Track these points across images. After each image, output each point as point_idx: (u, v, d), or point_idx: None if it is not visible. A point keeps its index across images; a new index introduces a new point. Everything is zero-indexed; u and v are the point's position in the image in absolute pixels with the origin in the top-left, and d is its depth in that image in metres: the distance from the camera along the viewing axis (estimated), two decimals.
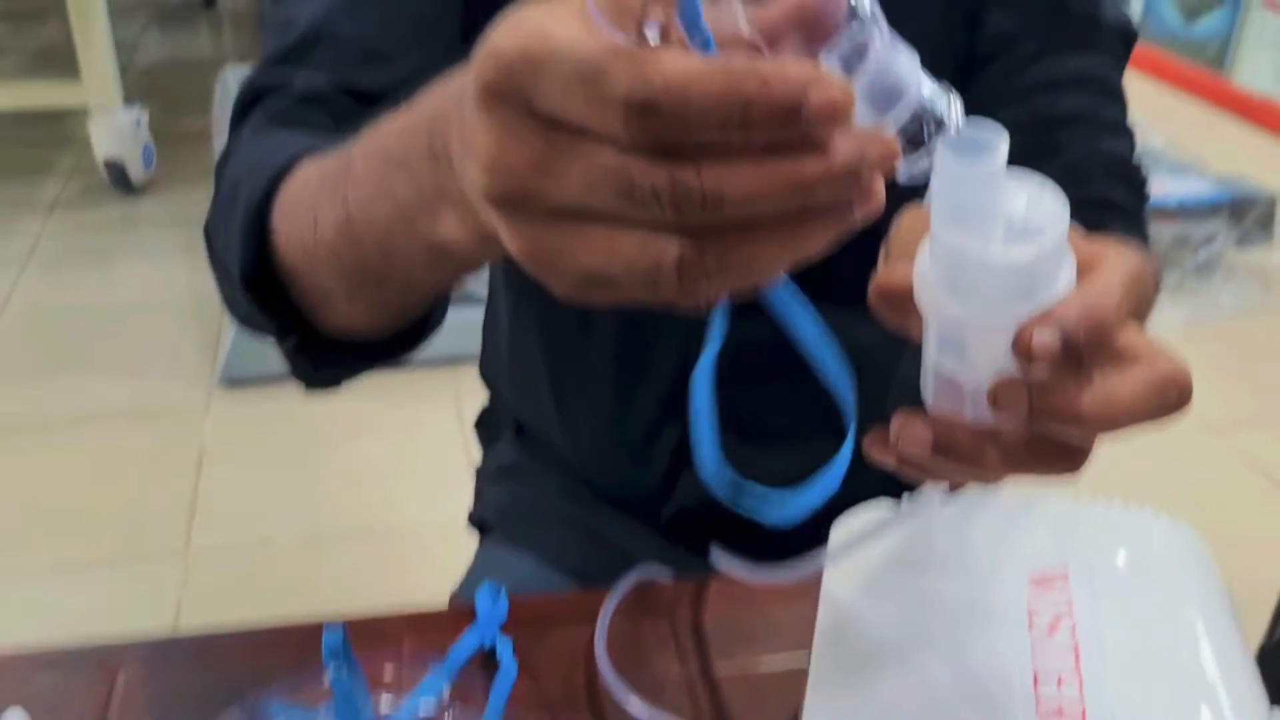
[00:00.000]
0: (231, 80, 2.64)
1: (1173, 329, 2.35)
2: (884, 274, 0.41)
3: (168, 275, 2.57)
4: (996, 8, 0.70)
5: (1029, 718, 0.45)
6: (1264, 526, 1.87)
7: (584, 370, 0.82)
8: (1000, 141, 0.33)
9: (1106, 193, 0.69)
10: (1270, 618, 0.86)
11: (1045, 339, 0.35)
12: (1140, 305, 0.40)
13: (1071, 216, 0.49)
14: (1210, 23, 3.80)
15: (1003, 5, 0.70)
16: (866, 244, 0.75)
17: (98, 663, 0.61)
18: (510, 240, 0.33)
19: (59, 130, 3.24)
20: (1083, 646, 0.48)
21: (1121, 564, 0.53)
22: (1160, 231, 2.57)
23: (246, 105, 0.63)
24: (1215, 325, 2.42)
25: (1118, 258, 0.38)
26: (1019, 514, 0.57)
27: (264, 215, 0.51)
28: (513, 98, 0.31)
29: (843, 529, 0.55)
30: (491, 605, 0.60)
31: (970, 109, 0.42)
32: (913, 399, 0.42)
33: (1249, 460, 2.03)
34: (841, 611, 0.53)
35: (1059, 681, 0.46)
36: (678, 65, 0.28)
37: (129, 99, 2.84)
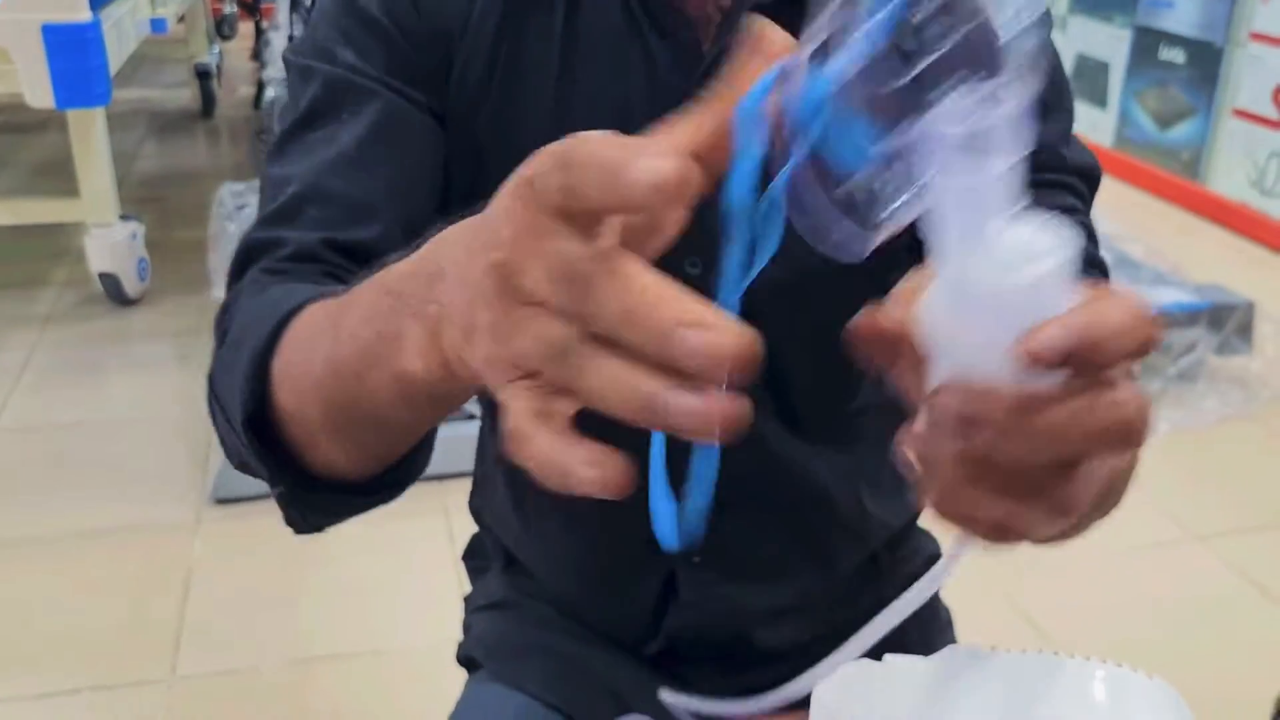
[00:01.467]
0: (228, 196, 2.69)
1: (1156, 436, 2.37)
2: (874, 313, 0.42)
3: (160, 388, 2.58)
4: None
5: None
6: (1255, 635, 1.87)
7: (567, 508, 0.83)
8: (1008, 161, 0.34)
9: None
10: None
11: (1047, 340, 0.35)
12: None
13: None
14: (1183, 130, 3.90)
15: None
16: (839, 388, 0.78)
17: None
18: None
19: (55, 243, 3.28)
20: None
21: None
22: None
23: (242, 262, 0.66)
24: (1198, 432, 2.45)
25: (1124, 293, 0.38)
26: (997, 672, 0.57)
27: (267, 360, 0.53)
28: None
29: (825, 688, 0.56)
30: None
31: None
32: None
33: (1236, 567, 2.03)
34: None
35: None
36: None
37: (126, 211, 2.88)
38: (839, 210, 0.37)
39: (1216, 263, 3.30)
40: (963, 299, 0.36)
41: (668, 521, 0.40)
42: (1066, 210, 0.73)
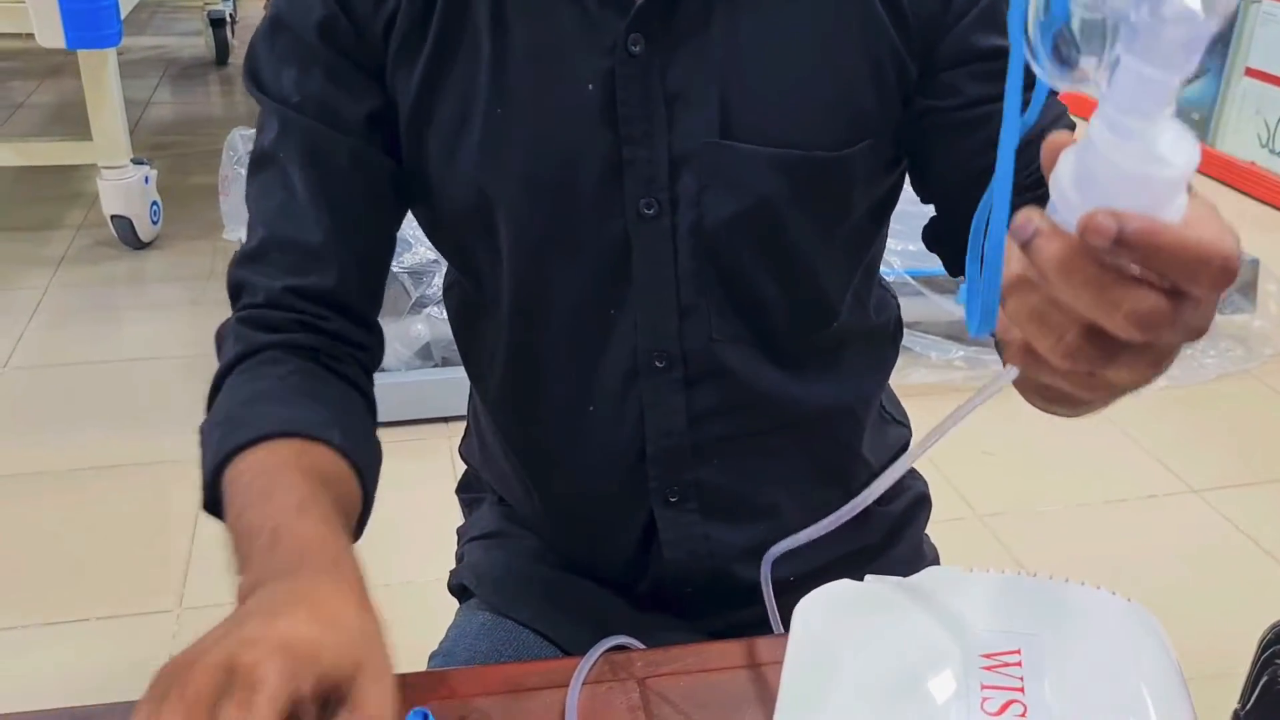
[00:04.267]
0: (239, 140, 2.70)
1: (1156, 391, 2.39)
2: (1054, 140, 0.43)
3: (172, 330, 2.61)
4: (967, 78, 0.73)
5: None
6: (1246, 583, 1.90)
7: (550, 457, 0.84)
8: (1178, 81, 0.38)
9: None
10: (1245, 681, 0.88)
11: (1101, 223, 0.38)
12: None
13: None
14: (1193, 90, 3.87)
15: (970, 72, 0.73)
16: (814, 317, 0.79)
17: None
18: None
19: (69, 185, 3.31)
20: None
21: (1073, 645, 0.54)
22: None
23: (233, 294, 0.77)
24: (1199, 388, 2.46)
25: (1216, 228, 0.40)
26: (975, 592, 0.58)
27: (218, 478, 0.67)
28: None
29: (807, 604, 0.56)
30: None
31: (962, 179, 0.66)
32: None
33: (1231, 520, 2.06)
34: (803, 683, 0.54)
35: None
36: None
37: (139, 156, 2.90)
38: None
39: None
40: (1096, 164, 0.40)
41: (974, 303, 0.44)
42: (1060, 119, 0.75)
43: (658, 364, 0.77)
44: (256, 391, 0.70)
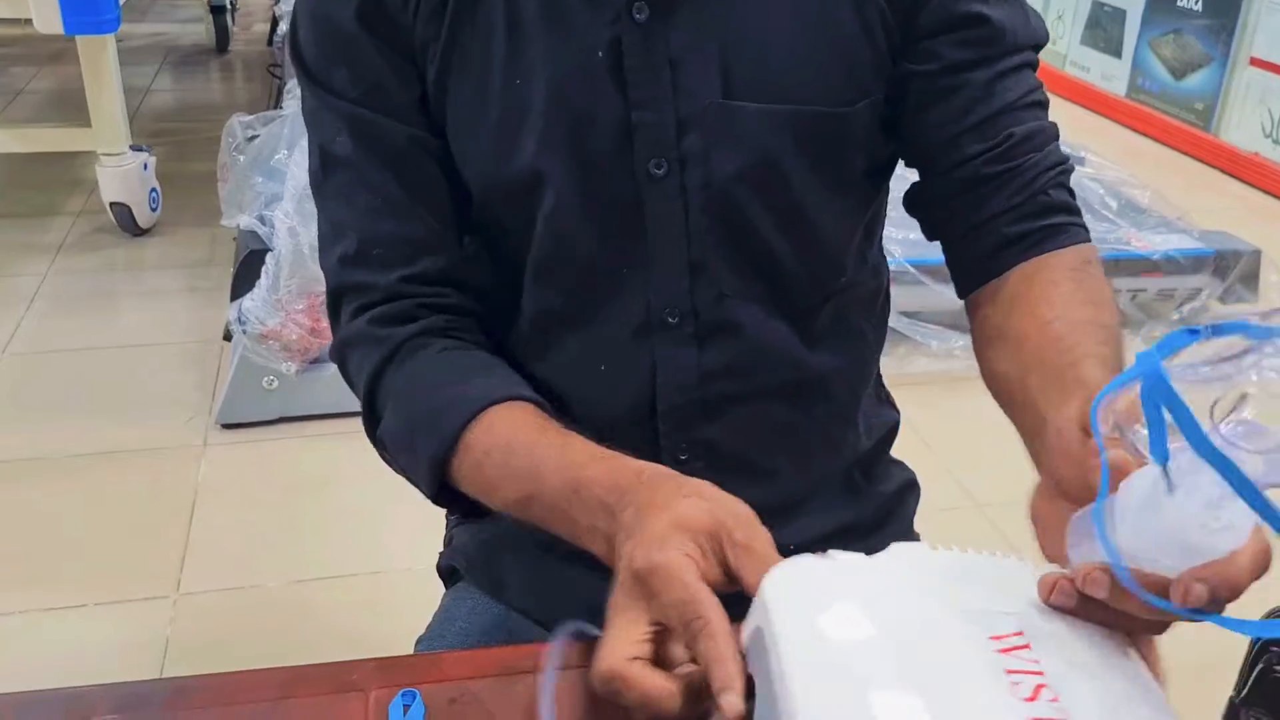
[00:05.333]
0: (238, 127, 2.69)
1: None
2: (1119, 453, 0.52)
3: (170, 317, 2.62)
4: (947, 44, 0.76)
5: None
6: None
7: (561, 417, 0.85)
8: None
9: (1056, 197, 0.78)
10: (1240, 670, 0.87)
11: (1199, 592, 0.47)
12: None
13: (1029, 218, 0.77)
14: (1198, 80, 3.86)
15: (950, 40, 0.76)
16: (821, 273, 0.81)
17: (72, 706, 0.63)
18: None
19: (68, 172, 3.31)
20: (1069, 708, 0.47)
21: (1059, 623, 0.53)
22: (1145, 285, 2.61)
23: (335, 302, 0.81)
24: None
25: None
26: (955, 570, 0.56)
27: (445, 465, 0.73)
28: (642, 586, 0.58)
29: (777, 577, 0.54)
30: (403, 717, 0.62)
31: (941, 142, 0.74)
32: None
33: None
34: (816, 651, 0.50)
35: None
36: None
37: (138, 142, 2.90)
38: None
39: (1225, 212, 3.29)
40: (1165, 514, 0.47)
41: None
42: (1037, 100, 0.79)
43: (669, 320, 0.79)
44: (431, 382, 0.76)
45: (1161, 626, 0.52)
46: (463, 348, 0.78)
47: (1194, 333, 0.45)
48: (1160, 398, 0.44)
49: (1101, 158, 3.10)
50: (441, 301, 0.79)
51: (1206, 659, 0.79)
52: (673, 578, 0.55)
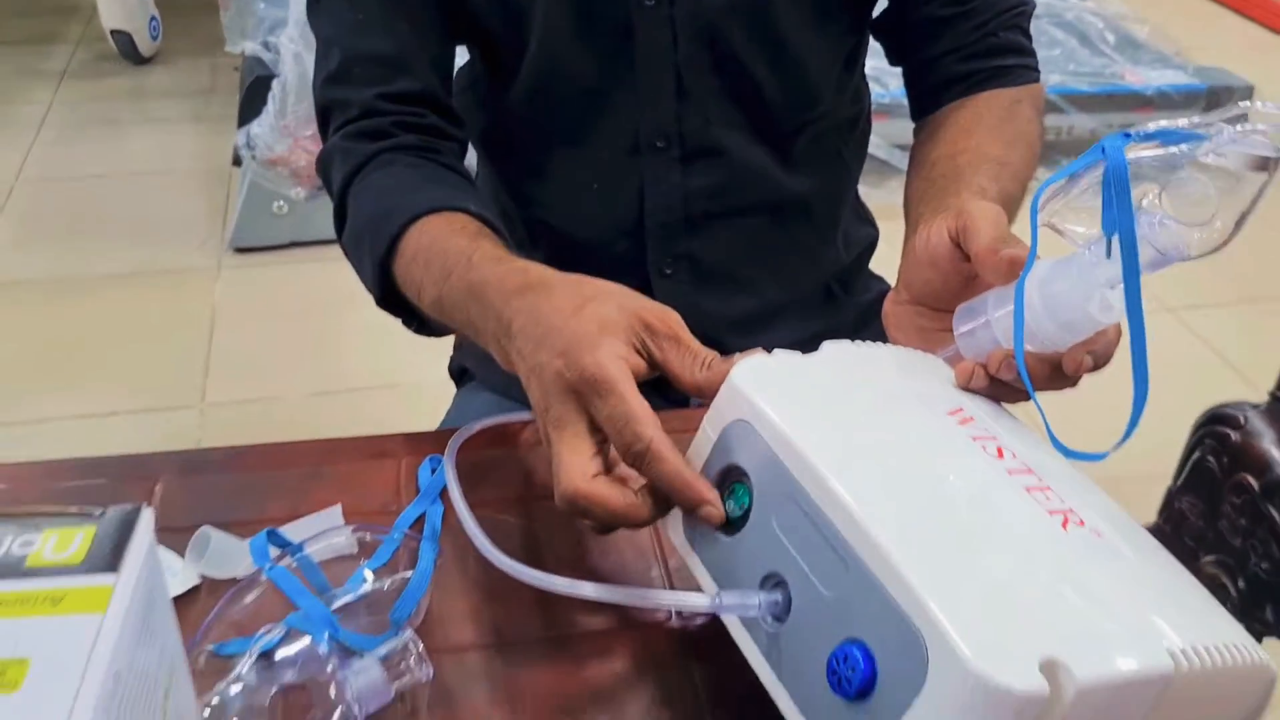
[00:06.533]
0: None
1: None
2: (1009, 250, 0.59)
3: (177, 145, 2.64)
4: None
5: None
6: (1215, 397, 1.98)
7: (554, 232, 0.91)
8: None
9: (1006, 38, 0.84)
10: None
11: (1088, 362, 0.57)
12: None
13: (976, 58, 0.83)
14: None
15: None
16: (801, 101, 0.86)
17: (138, 471, 0.69)
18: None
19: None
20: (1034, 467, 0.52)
21: (984, 401, 0.58)
22: (1136, 120, 2.63)
23: (323, 117, 0.83)
24: None
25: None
26: (875, 360, 0.60)
27: (389, 265, 0.74)
28: (579, 398, 0.56)
29: (745, 372, 0.56)
30: (430, 477, 0.69)
31: None
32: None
33: (1201, 337, 2.13)
34: (814, 430, 0.51)
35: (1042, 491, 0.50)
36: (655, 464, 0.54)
37: None
38: None
39: (1224, 47, 3.26)
40: (1057, 294, 0.55)
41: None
42: (1023, 53, 0.85)
43: (658, 144, 0.84)
44: (386, 188, 0.77)
45: (1020, 396, 0.59)
46: (426, 165, 0.79)
47: (1149, 136, 0.53)
48: (1116, 181, 0.51)
49: None
50: (417, 121, 0.80)
51: (1153, 472, 0.88)
52: (610, 389, 0.54)
